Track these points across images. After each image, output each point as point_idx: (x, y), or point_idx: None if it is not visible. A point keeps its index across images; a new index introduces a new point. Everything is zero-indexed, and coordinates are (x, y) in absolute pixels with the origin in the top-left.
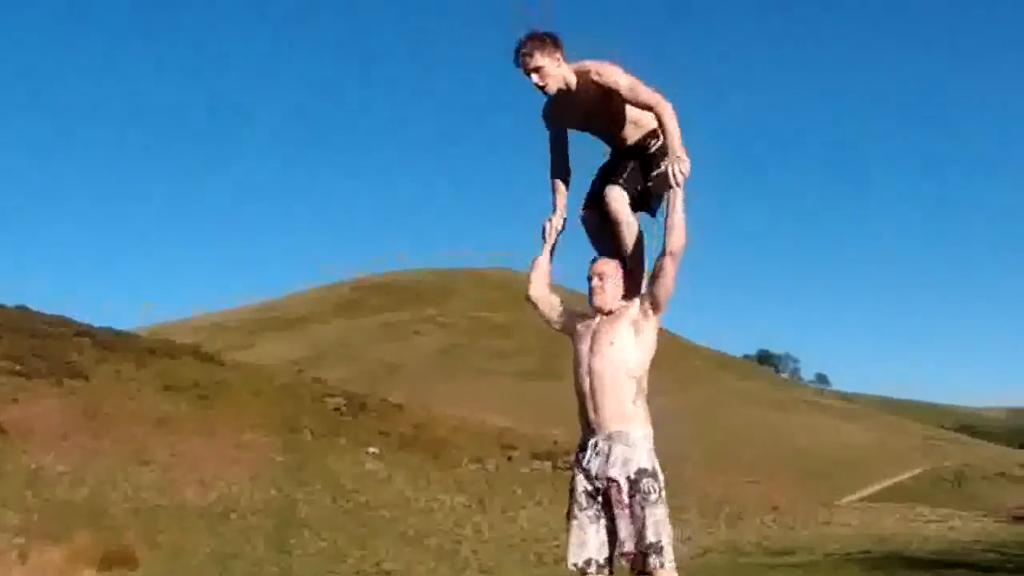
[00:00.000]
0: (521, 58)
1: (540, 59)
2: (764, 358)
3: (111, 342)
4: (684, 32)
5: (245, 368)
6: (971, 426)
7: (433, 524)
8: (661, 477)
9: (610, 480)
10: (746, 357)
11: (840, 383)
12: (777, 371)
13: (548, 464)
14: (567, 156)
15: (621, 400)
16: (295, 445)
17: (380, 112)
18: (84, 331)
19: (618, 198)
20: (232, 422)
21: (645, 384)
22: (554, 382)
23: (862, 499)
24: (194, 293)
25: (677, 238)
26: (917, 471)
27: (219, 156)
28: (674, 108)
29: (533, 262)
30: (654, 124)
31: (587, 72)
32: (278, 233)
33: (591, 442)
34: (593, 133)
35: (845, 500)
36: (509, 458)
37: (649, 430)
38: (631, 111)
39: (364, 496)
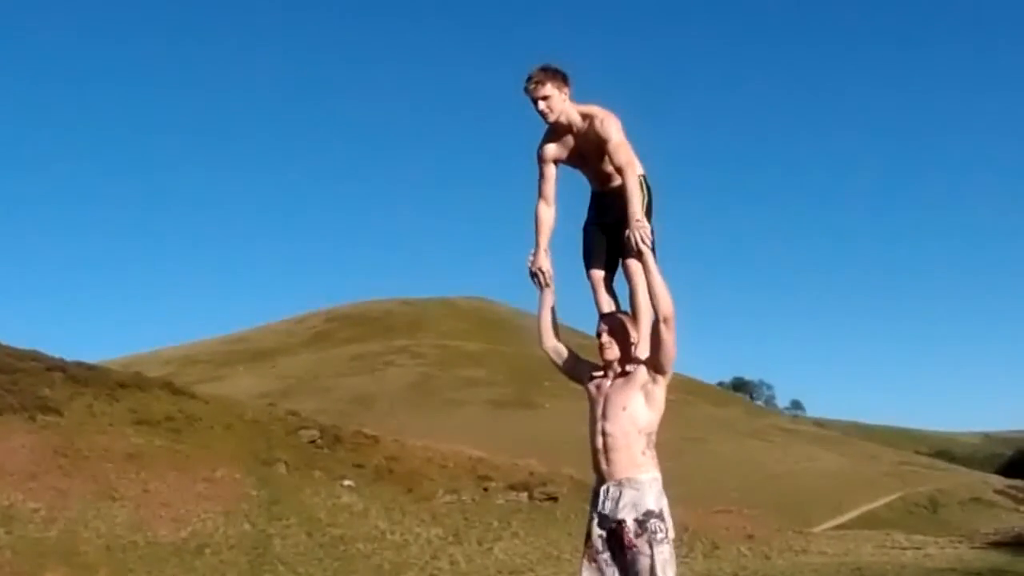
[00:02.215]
0: (533, 85)
1: (550, 89)
2: (739, 385)
3: (84, 376)
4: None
5: (217, 401)
6: (946, 451)
7: (409, 557)
8: (669, 518)
9: (620, 522)
10: (720, 384)
11: (815, 409)
12: (752, 398)
13: (524, 495)
14: (554, 194)
15: (631, 454)
16: (269, 479)
17: (350, 143)
18: (56, 365)
19: (643, 279)
20: (205, 456)
21: (655, 436)
22: (528, 411)
23: (837, 527)
24: (163, 324)
25: (665, 304)
26: (891, 497)
27: (188, 187)
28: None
29: (539, 313)
30: (639, 171)
31: (592, 116)
32: (247, 264)
33: (603, 488)
34: (582, 171)
35: (820, 528)
36: (485, 489)
37: (657, 475)
38: (620, 160)
39: (339, 529)
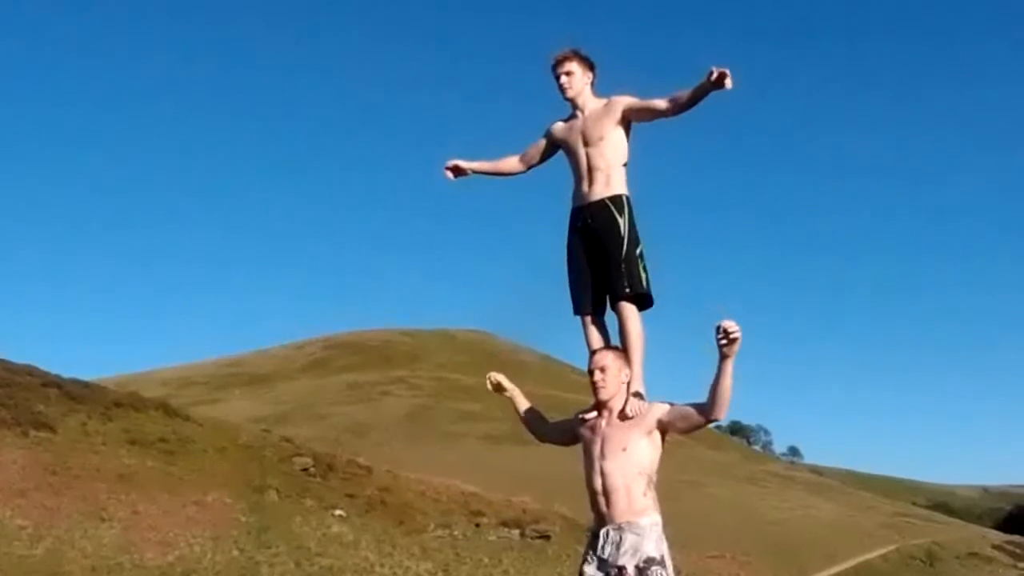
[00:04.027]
0: (560, 59)
1: (575, 67)
2: (736, 429)
3: (79, 393)
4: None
5: (211, 424)
6: (943, 504)
7: None
8: (670, 564)
9: (620, 568)
10: (718, 428)
11: (812, 456)
12: (749, 443)
13: (516, 532)
14: (531, 158)
15: (632, 496)
16: (260, 505)
17: (352, 172)
18: (52, 381)
19: (634, 317)
20: (196, 480)
21: (656, 477)
22: (524, 447)
23: None
24: (161, 344)
25: (723, 409)
26: (888, 549)
27: (192, 209)
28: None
29: (521, 418)
30: (618, 190)
31: (612, 99)
32: (248, 288)
33: (603, 531)
34: (574, 166)
35: None
36: (477, 525)
37: (658, 518)
38: (613, 160)
39: (329, 560)
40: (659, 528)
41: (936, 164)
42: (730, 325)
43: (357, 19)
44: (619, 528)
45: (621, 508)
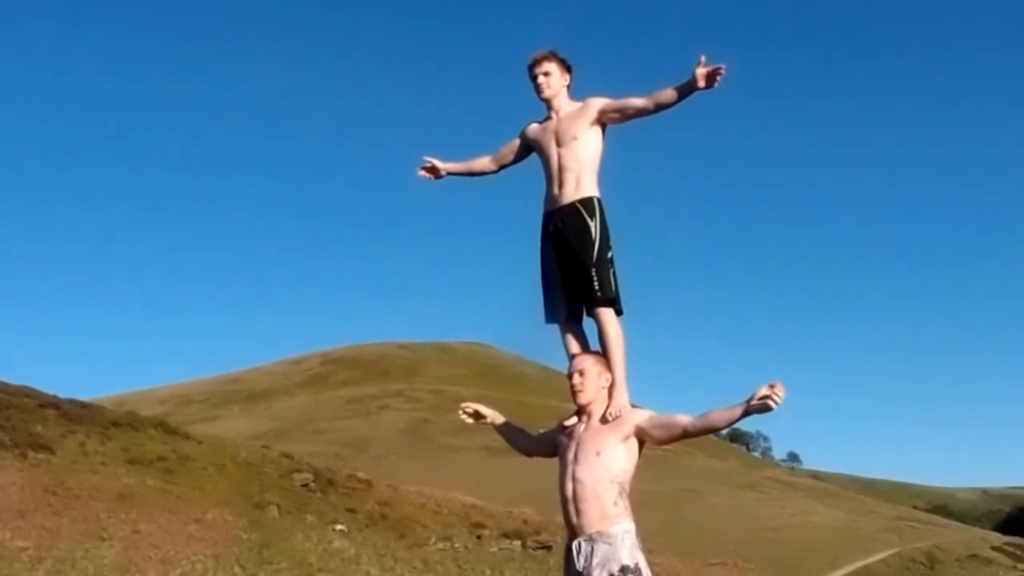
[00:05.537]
0: (538, 60)
1: (554, 68)
2: (735, 436)
3: (77, 414)
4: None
5: (210, 442)
6: (943, 507)
7: None
8: (645, 571)
9: None
10: (717, 435)
11: (812, 462)
12: (748, 449)
13: (518, 543)
14: (503, 157)
15: (603, 504)
16: (261, 522)
17: (347, 187)
18: (49, 402)
19: (613, 323)
20: (196, 498)
21: (628, 486)
22: (524, 458)
23: None
24: (158, 363)
25: (708, 431)
26: (888, 553)
27: (186, 227)
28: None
29: (506, 439)
30: (588, 192)
31: (586, 104)
32: (244, 304)
33: (574, 544)
34: (549, 171)
35: None
36: (478, 537)
37: (630, 525)
38: (585, 161)
39: (330, 575)
40: (632, 535)
41: (934, 166)
42: (780, 392)
43: (344, 27)
44: (590, 539)
45: (591, 518)
